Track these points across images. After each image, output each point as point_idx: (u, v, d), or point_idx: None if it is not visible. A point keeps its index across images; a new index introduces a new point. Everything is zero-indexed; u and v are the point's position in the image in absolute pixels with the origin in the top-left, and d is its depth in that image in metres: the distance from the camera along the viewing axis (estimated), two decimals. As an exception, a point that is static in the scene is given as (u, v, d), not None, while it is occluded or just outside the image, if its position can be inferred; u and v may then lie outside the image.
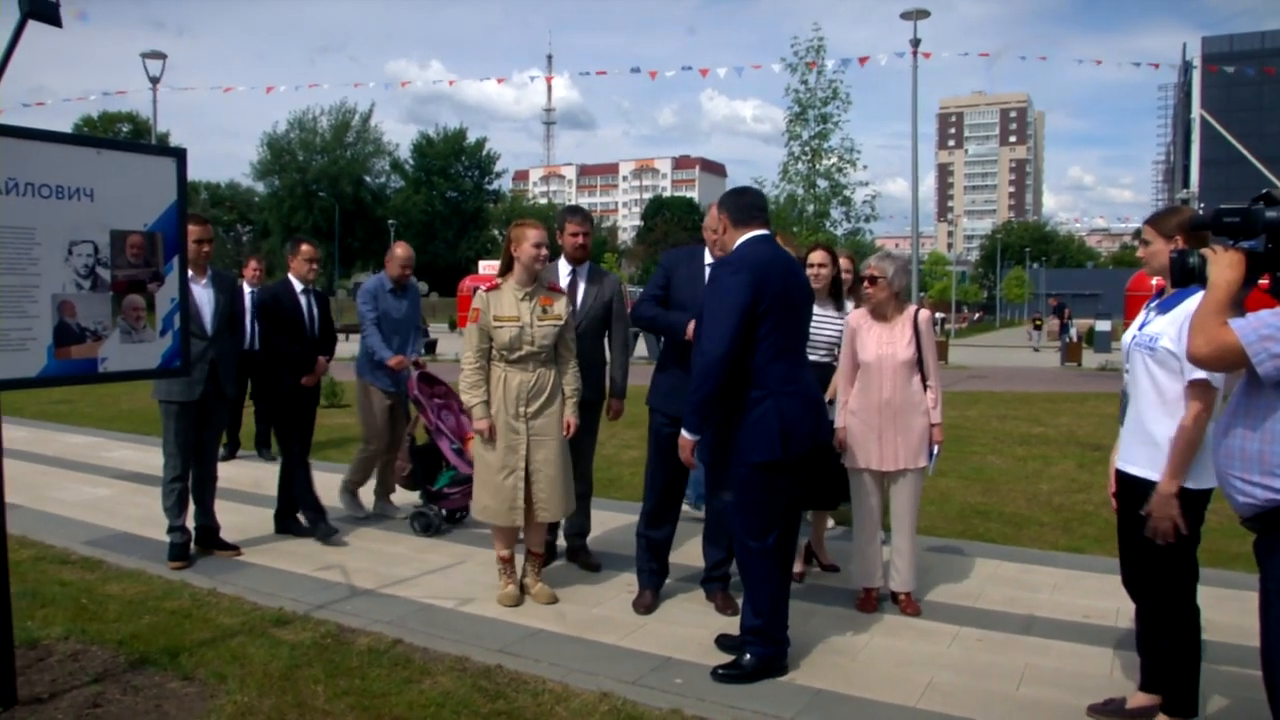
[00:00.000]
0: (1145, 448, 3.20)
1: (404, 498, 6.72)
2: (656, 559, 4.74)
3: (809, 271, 4.88)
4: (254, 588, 4.91)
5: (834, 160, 22.84)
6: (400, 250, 6.32)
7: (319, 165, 73.00)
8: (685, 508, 5.93)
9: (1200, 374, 3.03)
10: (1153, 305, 3.33)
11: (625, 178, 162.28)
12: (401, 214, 71.15)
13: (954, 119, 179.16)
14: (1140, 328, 3.31)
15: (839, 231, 23.31)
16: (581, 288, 5.25)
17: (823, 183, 22.99)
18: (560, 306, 4.67)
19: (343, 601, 4.71)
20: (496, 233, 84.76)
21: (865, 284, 4.56)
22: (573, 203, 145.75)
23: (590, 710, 3.46)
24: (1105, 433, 10.80)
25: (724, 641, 4.10)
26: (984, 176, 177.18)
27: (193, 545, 5.53)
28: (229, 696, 3.55)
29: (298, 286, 5.92)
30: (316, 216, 72.15)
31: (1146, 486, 3.14)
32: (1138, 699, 3.42)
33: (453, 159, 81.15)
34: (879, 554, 4.64)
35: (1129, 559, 3.37)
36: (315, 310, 5.99)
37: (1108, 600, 4.68)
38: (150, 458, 8.85)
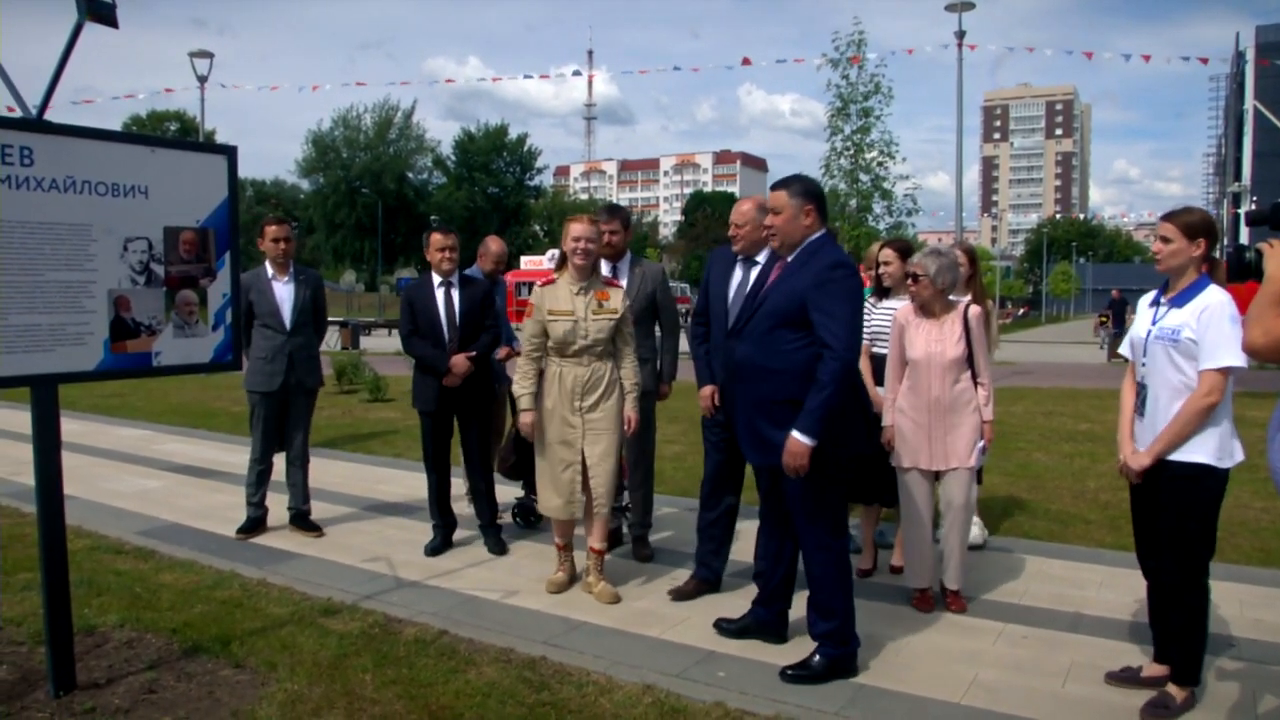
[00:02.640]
0: (1197, 434, 3.34)
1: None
2: (707, 552, 4.76)
3: (883, 270, 5.06)
4: (303, 578, 4.99)
5: (875, 154, 22.63)
6: (494, 246, 6.35)
7: (362, 162, 73.86)
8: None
9: (1222, 362, 3.21)
10: (1161, 301, 3.47)
11: (666, 173, 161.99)
12: (443, 209, 71.77)
13: (999, 112, 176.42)
14: (1154, 322, 3.46)
15: (881, 226, 23.09)
16: (622, 282, 5.26)
17: (865, 177, 22.78)
18: (617, 300, 4.68)
19: (389, 592, 4.77)
20: (538, 228, 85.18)
21: (909, 282, 4.51)
22: (612, 198, 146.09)
23: (634, 702, 3.47)
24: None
25: (723, 626, 4.16)
26: (1029, 170, 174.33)
27: (276, 522, 5.93)
28: (279, 684, 3.62)
29: (435, 279, 5.53)
30: (360, 213, 73.05)
31: (1174, 467, 3.35)
32: (1151, 669, 3.63)
33: (494, 155, 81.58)
34: (930, 553, 4.59)
35: (1145, 538, 3.59)
36: (457, 305, 5.48)
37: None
38: (200, 451, 9.04)
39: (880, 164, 22.60)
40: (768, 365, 3.71)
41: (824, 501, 3.72)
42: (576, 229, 4.65)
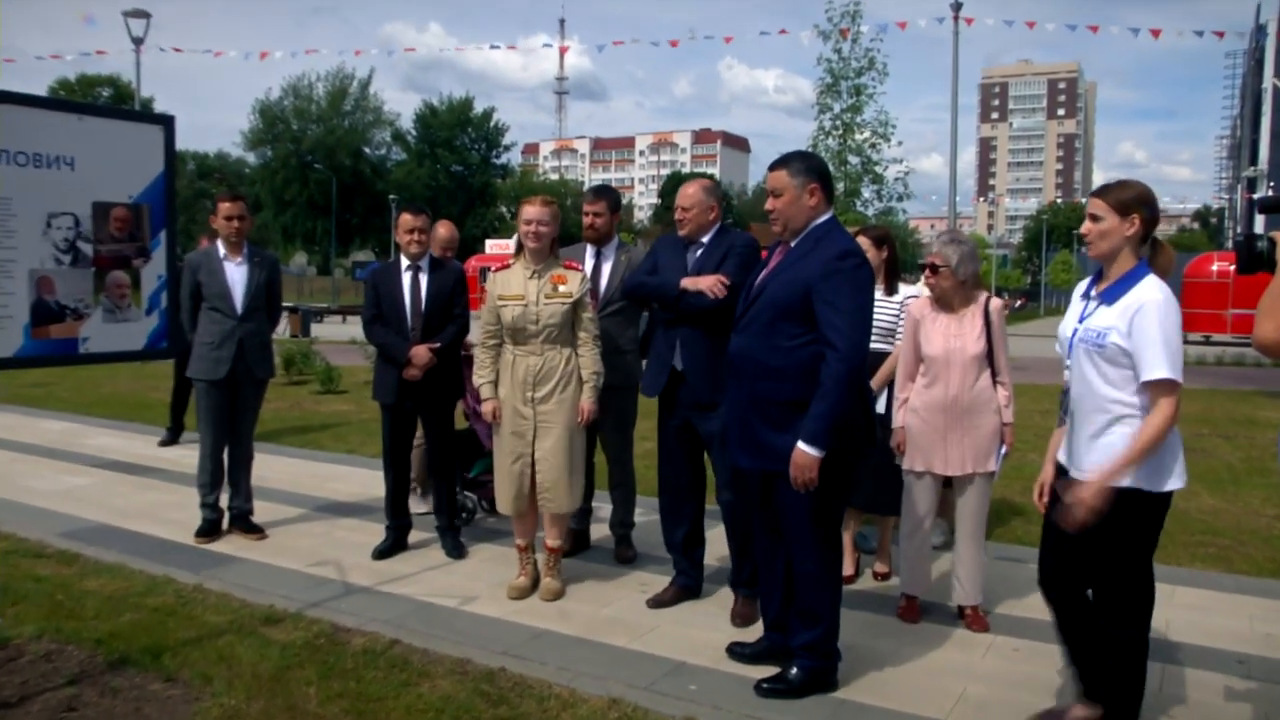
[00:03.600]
0: (1092, 455, 3.09)
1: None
2: (683, 561, 4.78)
3: None
4: (243, 584, 4.94)
5: (867, 135, 22.69)
6: (443, 230, 6.31)
7: (315, 135, 73.19)
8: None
9: (1163, 372, 2.91)
10: (1091, 293, 3.18)
11: (642, 152, 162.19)
12: (403, 188, 71.28)
13: (997, 90, 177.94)
14: (1081, 319, 3.17)
15: (870, 211, 23.19)
16: (606, 268, 5.32)
17: (854, 159, 22.86)
18: (574, 285, 4.70)
19: (337, 599, 4.74)
20: (505, 209, 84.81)
21: (926, 273, 4.47)
22: (584, 178, 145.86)
23: (599, 717, 3.47)
24: (1183, 432, 10.71)
25: (736, 650, 4.09)
26: (1029, 152, 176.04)
27: (225, 524, 5.91)
28: (215, 699, 3.58)
29: (403, 263, 5.50)
30: (312, 190, 72.44)
31: (1144, 496, 3.04)
32: (1078, 710, 3.38)
33: (458, 130, 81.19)
34: (928, 561, 4.62)
35: (1050, 557, 3.30)
36: (424, 291, 5.43)
37: (1160, 610, 4.64)
38: (134, 445, 8.94)
39: (872, 145, 22.68)
40: (767, 361, 3.64)
41: (824, 510, 3.69)
42: (528, 211, 4.73)
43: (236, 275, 5.73)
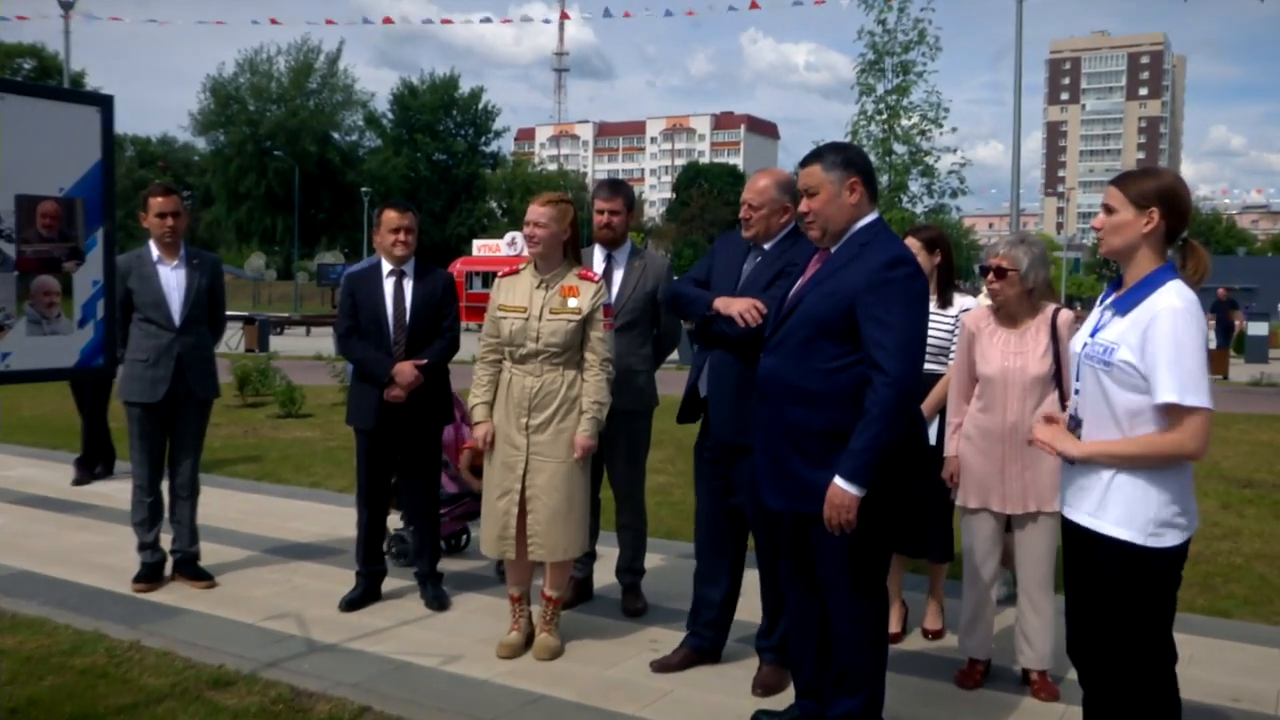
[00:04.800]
0: (1092, 492, 3.05)
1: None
2: (705, 618, 4.75)
3: None
4: (188, 640, 4.94)
5: (915, 120, 22.74)
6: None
7: (275, 117, 73.74)
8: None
9: (1170, 395, 2.83)
10: (1107, 301, 3.13)
11: (654, 139, 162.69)
12: (378, 179, 71.78)
13: (1068, 66, 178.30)
14: (1093, 333, 3.10)
15: (919, 209, 23.21)
16: (618, 276, 5.35)
17: (900, 148, 22.91)
18: (586, 299, 4.73)
19: (299, 658, 4.73)
20: (496, 205, 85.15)
21: (989, 278, 4.45)
22: (587, 169, 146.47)
23: (603, 800, 3.45)
24: (1259, 464, 10.67)
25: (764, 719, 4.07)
26: (1105, 139, 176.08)
27: (167, 569, 5.90)
28: (155, 774, 3.58)
29: (385, 267, 5.54)
30: (271, 181, 72.92)
31: (1097, 543, 3.02)
32: None
33: (441, 113, 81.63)
34: (990, 616, 4.60)
35: (1078, 623, 3.21)
36: (409, 300, 5.48)
37: (1263, 680, 4.62)
38: (59, 477, 8.95)
39: (922, 132, 22.73)
40: (803, 385, 3.62)
41: (866, 560, 3.65)
42: (533, 211, 4.78)
43: (173, 281, 5.74)
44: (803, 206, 3.73)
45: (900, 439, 3.54)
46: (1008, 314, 4.47)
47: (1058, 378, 4.39)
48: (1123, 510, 2.96)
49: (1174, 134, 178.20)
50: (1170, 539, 2.96)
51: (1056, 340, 4.39)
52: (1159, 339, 2.86)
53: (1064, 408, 4.31)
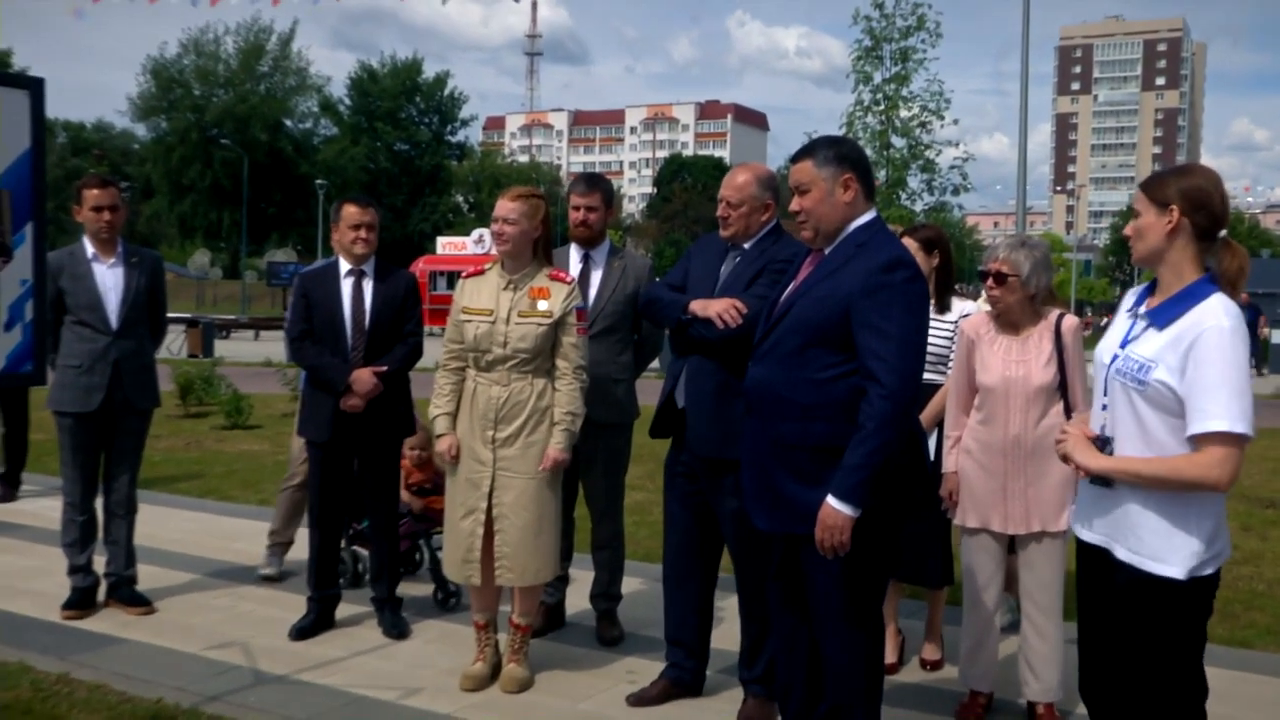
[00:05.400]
0: (1121, 517, 3.02)
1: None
2: (680, 645, 4.75)
3: None
4: (124, 672, 4.91)
5: (915, 111, 22.89)
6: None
7: (222, 103, 73.53)
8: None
9: (1222, 423, 2.77)
10: (1139, 310, 3.09)
11: (634, 129, 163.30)
12: (334, 171, 71.76)
13: (1079, 54, 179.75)
14: (1124, 343, 3.07)
15: (918, 207, 23.34)
16: (596, 277, 5.36)
17: (899, 141, 23.05)
18: (557, 301, 4.74)
19: (244, 691, 4.72)
20: (462, 199, 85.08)
21: (989, 283, 4.48)
22: (562, 161, 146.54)
23: (574, 845, 3.45)
24: None
25: None
26: (1119, 132, 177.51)
27: (101, 594, 5.85)
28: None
29: (343, 267, 5.55)
30: (218, 171, 72.67)
31: (1128, 576, 3.00)
32: None
33: (403, 100, 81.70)
34: (993, 645, 4.63)
35: (1094, 658, 3.21)
36: (369, 302, 5.49)
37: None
38: (-12, 493, 8.88)
39: (922, 124, 22.87)
40: (793, 398, 3.63)
41: (860, 585, 3.66)
42: (497, 206, 4.80)
43: (109, 280, 5.71)
44: (794, 205, 3.74)
45: (898, 455, 3.55)
46: (1009, 320, 4.50)
47: (1063, 388, 4.42)
48: (1162, 541, 2.92)
49: (1193, 127, 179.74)
50: (1209, 569, 2.93)
51: (1061, 348, 4.42)
52: (1207, 363, 2.82)
53: (1069, 419, 4.36)
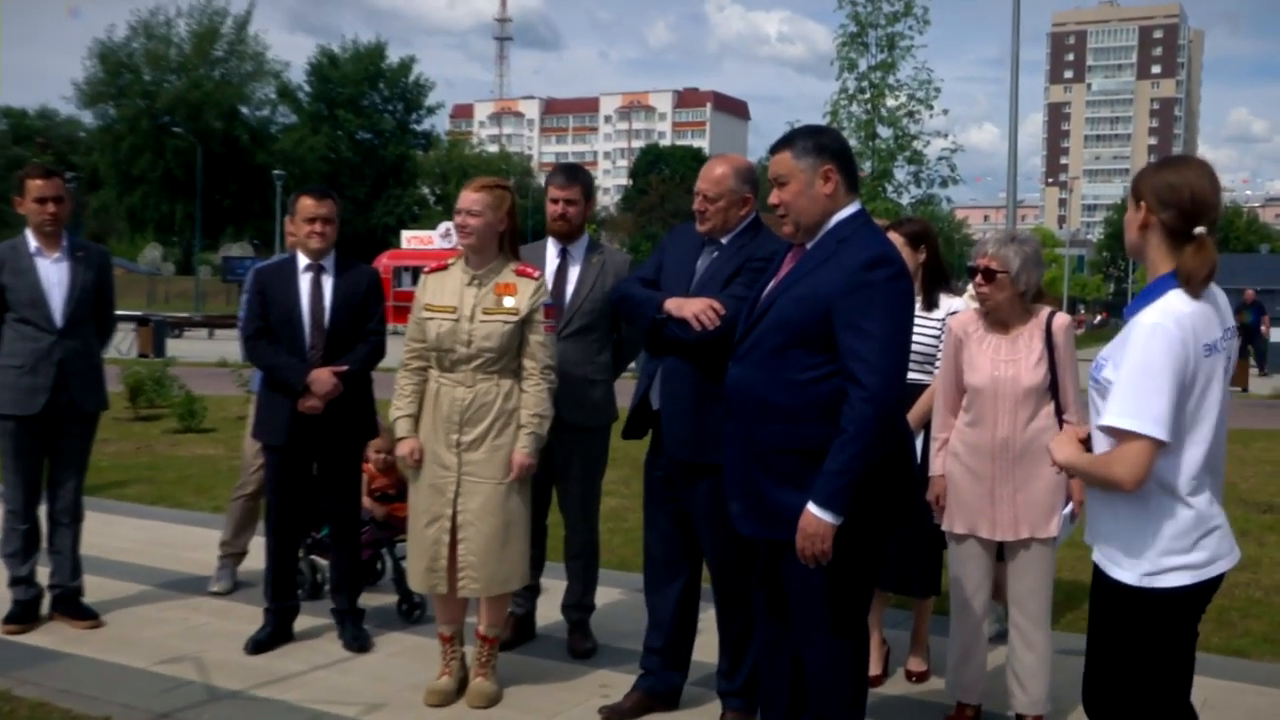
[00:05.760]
0: (1101, 520, 3.07)
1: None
2: (657, 653, 4.76)
3: None
4: (69, 689, 4.88)
5: (902, 100, 22.98)
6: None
7: (174, 89, 73.10)
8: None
9: (1112, 418, 2.85)
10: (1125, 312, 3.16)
11: (608, 118, 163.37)
12: (293, 161, 71.26)
13: (1072, 41, 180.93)
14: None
15: (905, 199, 23.44)
16: (573, 273, 5.36)
17: (885, 131, 23.12)
18: (524, 298, 4.74)
19: (197, 707, 4.70)
20: (428, 191, 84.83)
21: (977, 280, 4.50)
22: (533, 151, 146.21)
23: None
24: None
25: None
26: (1113, 123, 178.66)
27: (44, 607, 5.81)
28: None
29: (301, 262, 5.54)
30: (170, 161, 72.27)
31: (1099, 579, 3.05)
32: None
33: (366, 86, 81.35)
34: (981, 656, 4.65)
35: (1092, 672, 3.21)
36: (329, 298, 5.49)
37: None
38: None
39: (909, 113, 22.96)
40: (774, 400, 3.66)
41: (843, 595, 3.70)
42: (460, 198, 4.80)
43: (53, 276, 5.68)
44: (773, 198, 3.76)
45: (883, 459, 3.57)
46: (998, 318, 4.52)
47: (1054, 389, 4.45)
48: (1121, 544, 2.97)
49: (1189, 117, 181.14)
50: (1170, 580, 2.92)
51: (1052, 347, 4.45)
52: (1125, 358, 2.88)
53: (1061, 422, 4.40)
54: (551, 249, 5.43)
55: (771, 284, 3.81)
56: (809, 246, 3.73)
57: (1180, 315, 2.87)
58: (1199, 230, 2.94)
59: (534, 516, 5.30)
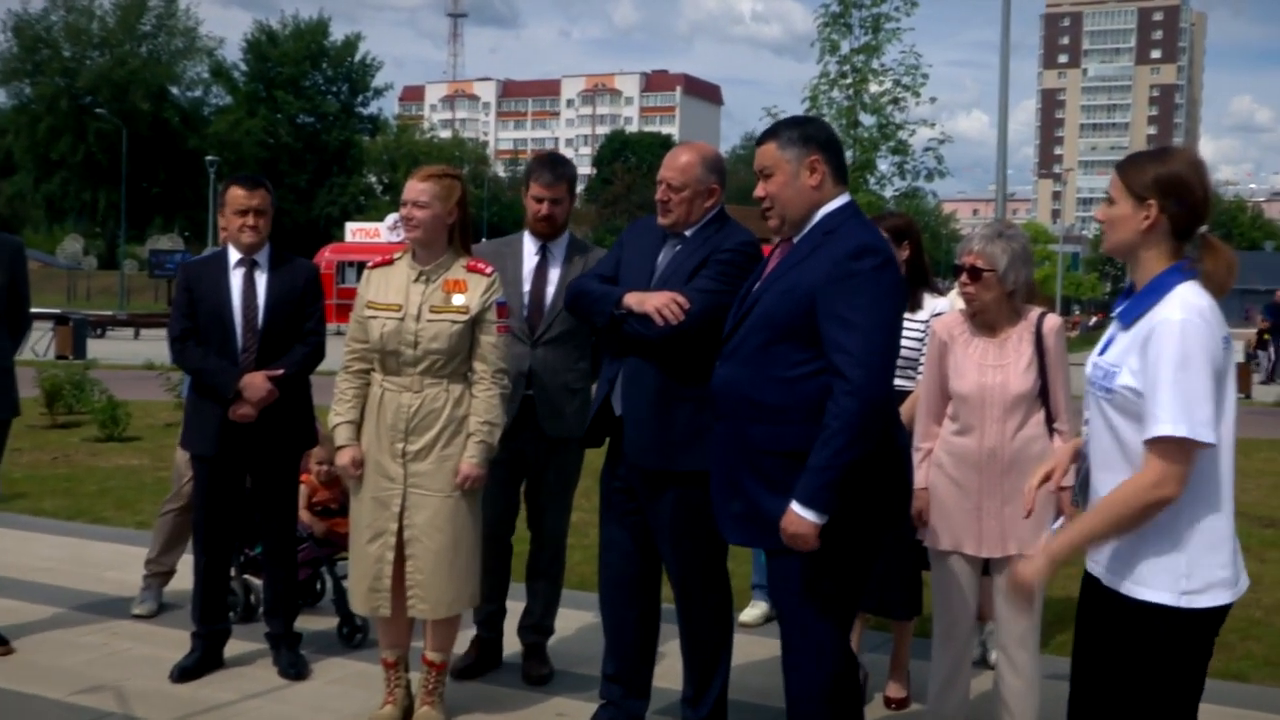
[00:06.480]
0: (1121, 542, 3.06)
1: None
2: (617, 681, 4.77)
3: None
4: (-23, 718, 4.85)
5: (887, 86, 23.06)
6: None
7: (97, 66, 72.67)
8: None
9: (1164, 427, 2.82)
10: (1117, 313, 3.15)
11: (570, 102, 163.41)
12: (228, 146, 71.06)
13: (1068, 23, 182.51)
14: (1102, 351, 3.15)
15: (889, 192, 23.54)
16: (554, 275, 5.34)
17: (868, 119, 23.20)
18: (474, 296, 4.74)
19: (116, 741, 4.68)
20: (375, 179, 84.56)
21: (963, 279, 4.52)
22: (490, 136, 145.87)
23: None
24: (1282, 499, 10.97)
25: None
26: (1110, 110, 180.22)
27: None
28: None
29: (232, 256, 5.52)
30: (93, 145, 71.78)
31: (1117, 603, 3.06)
32: None
33: (307, 65, 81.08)
34: (965, 681, 4.68)
35: (1079, 692, 3.28)
36: (262, 296, 5.47)
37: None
38: None
39: (894, 100, 23.05)
40: (760, 398, 3.72)
41: (829, 601, 3.75)
42: (406, 188, 4.79)
43: None
44: (758, 191, 3.83)
45: (866, 456, 3.61)
46: (985, 320, 4.54)
47: (1045, 395, 4.48)
48: (1147, 561, 2.96)
49: (1191, 105, 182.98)
50: (1208, 599, 2.95)
51: (1042, 351, 4.48)
52: (1155, 361, 2.86)
53: (1052, 430, 4.45)
54: (530, 245, 5.39)
55: (760, 280, 3.88)
56: (795, 240, 3.81)
57: (1202, 308, 2.90)
58: (1204, 228, 3.01)
59: (501, 533, 5.37)
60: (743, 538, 3.87)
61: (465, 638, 5.45)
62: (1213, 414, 2.83)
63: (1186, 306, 2.89)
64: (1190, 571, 2.93)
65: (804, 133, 3.80)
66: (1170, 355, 2.84)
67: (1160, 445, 2.83)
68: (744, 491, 3.77)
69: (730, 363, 3.82)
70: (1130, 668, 3.03)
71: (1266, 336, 32.31)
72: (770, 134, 3.84)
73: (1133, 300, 3.04)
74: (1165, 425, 2.81)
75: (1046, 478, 3.50)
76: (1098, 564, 3.15)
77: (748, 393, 3.74)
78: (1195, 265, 3.01)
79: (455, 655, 5.30)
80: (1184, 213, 2.99)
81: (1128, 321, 3.03)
